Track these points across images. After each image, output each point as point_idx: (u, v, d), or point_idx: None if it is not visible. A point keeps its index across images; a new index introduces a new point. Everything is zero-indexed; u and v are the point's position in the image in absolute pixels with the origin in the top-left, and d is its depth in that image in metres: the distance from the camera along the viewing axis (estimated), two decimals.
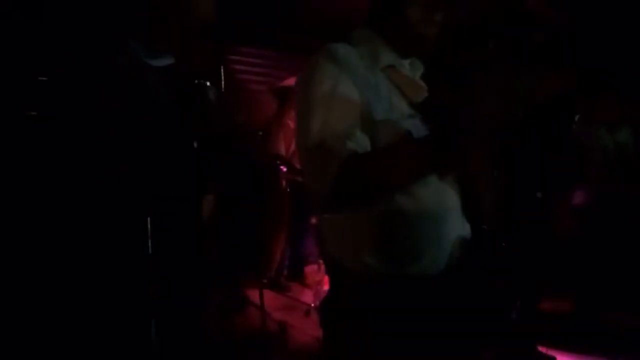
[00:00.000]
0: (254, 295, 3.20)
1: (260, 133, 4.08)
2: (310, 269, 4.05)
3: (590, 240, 3.09)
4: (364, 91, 0.97)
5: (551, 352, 2.67)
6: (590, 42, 4.00)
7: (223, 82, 2.05)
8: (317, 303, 3.21)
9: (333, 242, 1.08)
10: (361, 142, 0.94)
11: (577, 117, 3.16)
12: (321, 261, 2.96)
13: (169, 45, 1.01)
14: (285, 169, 3.84)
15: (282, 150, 3.89)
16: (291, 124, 4.05)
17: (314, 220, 3.16)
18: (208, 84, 1.22)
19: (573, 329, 2.97)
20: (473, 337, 1.07)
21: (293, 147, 3.94)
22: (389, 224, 0.99)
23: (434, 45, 1.09)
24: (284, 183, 3.91)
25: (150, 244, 1.04)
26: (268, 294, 3.37)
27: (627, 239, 3.02)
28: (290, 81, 4.08)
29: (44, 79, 0.86)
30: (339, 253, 1.07)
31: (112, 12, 0.95)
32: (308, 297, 3.61)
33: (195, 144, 1.15)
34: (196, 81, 1.20)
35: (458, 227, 1.07)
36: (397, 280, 0.99)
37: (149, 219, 1.01)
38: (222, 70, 2.02)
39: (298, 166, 3.58)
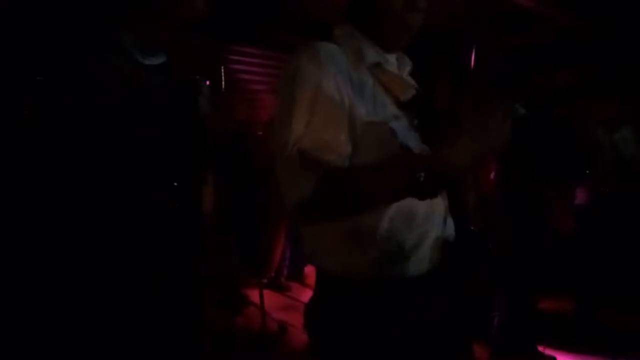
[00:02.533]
0: (254, 295, 3.20)
1: (260, 133, 4.09)
2: (310, 269, 4.05)
3: (590, 240, 3.09)
4: (348, 92, 0.93)
5: (551, 352, 2.67)
6: (590, 42, 4.00)
7: (223, 82, 2.05)
8: None
9: (312, 245, 1.06)
10: (343, 151, 0.91)
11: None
12: None
13: (161, 43, 0.99)
14: None
15: None
16: None
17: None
18: (199, 77, 1.22)
19: (573, 329, 2.97)
20: (457, 338, 1.06)
21: None
22: (370, 225, 0.96)
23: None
24: None
25: (150, 243, 1.04)
26: (268, 294, 3.37)
27: (627, 239, 3.03)
28: None
29: (40, 78, 0.86)
30: (317, 255, 1.05)
31: (104, 10, 0.94)
32: (308, 297, 3.60)
33: (194, 141, 1.15)
34: (191, 78, 1.19)
35: (442, 227, 1.05)
36: (379, 283, 0.98)
37: (148, 218, 1.01)
38: (222, 70, 2.02)
39: None
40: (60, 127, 0.86)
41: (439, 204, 1.04)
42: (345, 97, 0.93)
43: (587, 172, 3.15)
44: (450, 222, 1.07)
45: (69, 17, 0.91)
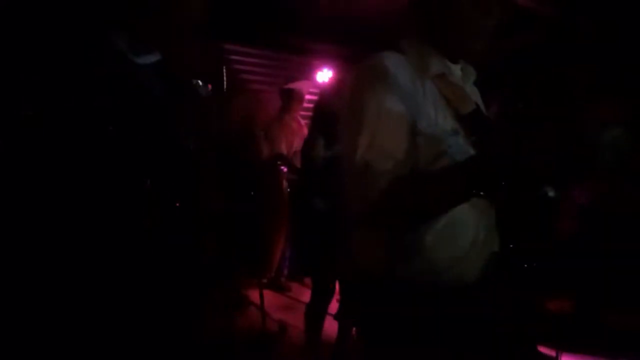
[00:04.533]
0: (254, 295, 3.20)
1: (261, 133, 4.09)
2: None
3: (591, 240, 3.09)
4: (410, 104, 0.96)
5: (551, 352, 2.66)
6: (590, 42, 4.00)
7: (225, 83, 2.06)
8: None
9: (363, 251, 1.08)
10: (407, 162, 0.94)
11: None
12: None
13: (155, 42, 1.00)
14: (285, 169, 3.84)
15: (283, 150, 3.89)
16: (293, 124, 4.07)
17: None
18: (200, 82, 1.22)
19: (573, 329, 2.96)
20: (501, 344, 1.07)
21: (295, 147, 3.95)
22: (417, 235, 0.99)
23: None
24: (284, 183, 3.92)
25: (149, 243, 1.04)
26: (268, 294, 3.37)
27: (627, 239, 3.02)
28: (298, 84, 4.12)
29: (37, 79, 0.86)
30: (368, 262, 1.07)
31: (96, 9, 0.95)
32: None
33: (191, 143, 1.16)
34: (187, 80, 1.19)
35: (488, 243, 1.07)
36: (422, 291, 0.99)
37: (148, 218, 1.01)
38: (224, 70, 2.03)
39: (299, 166, 3.58)
40: (59, 127, 0.86)
41: (487, 220, 1.06)
42: (406, 110, 0.96)
43: (587, 172, 3.15)
44: (496, 239, 1.09)
45: (66, 18, 0.91)
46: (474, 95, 1.17)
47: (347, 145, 0.99)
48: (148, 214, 0.99)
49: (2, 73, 0.84)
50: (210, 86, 1.25)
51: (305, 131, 4.14)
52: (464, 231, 1.01)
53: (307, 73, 4.71)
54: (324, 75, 4.73)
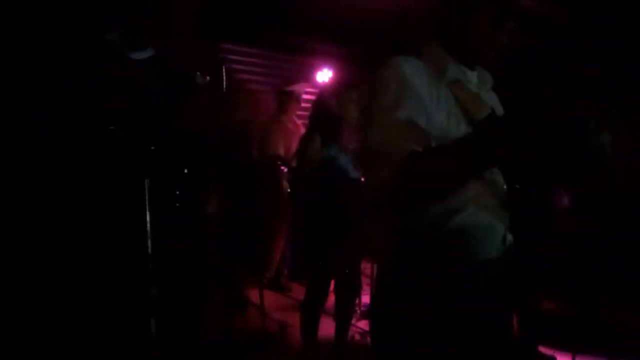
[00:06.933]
0: (254, 295, 3.21)
1: (259, 133, 4.09)
2: None
3: (590, 240, 3.09)
4: (424, 108, 0.98)
5: (551, 352, 2.67)
6: (590, 42, 4.00)
7: (225, 83, 2.06)
8: None
9: (375, 248, 1.11)
10: (420, 141, 0.94)
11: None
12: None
13: (150, 38, 1.01)
14: (285, 169, 3.84)
15: (281, 151, 3.89)
16: (289, 124, 4.07)
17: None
18: (197, 73, 1.22)
19: (573, 329, 2.97)
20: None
21: (292, 147, 3.95)
22: (432, 232, 1.00)
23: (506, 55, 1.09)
24: (284, 183, 3.92)
25: (150, 243, 1.04)
26: (268, 294, 3.37)
27: (628, 238, 3.02)
28: (296, 87, 4.11)
29: (36, 79, 0.86)
30: (380, 258, 1.10)
31: (99, 10, 0.96)
32: None
33: (192, 142, 1.16)
34: (184, 72, 1.20)
35: (502, 242, 1.08)
36: (438, 283, 1.00)
37: (148, 218, 1.01)
38: (224, 70, 2.03)
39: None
40: (60, 126, 0.86)
41: (501, 220, 1.08)
42: (420, 112, 0.97)
43: (588, 171, 3.14)
44: (509, 238, 1.11)
45: (65, 19, 0.91)
46: (491, 100, 1.19)
47: (364, 137, 1.01)
48: (149, 214, 0.99)
49: (4, 73, 0.84)
50: (207, 77, 1.25)
51: (302, 131, 4.14)
52: (478, 235, 1.02)
53: (306, 73, 4.71)
54: (324, 75, 4.73)
